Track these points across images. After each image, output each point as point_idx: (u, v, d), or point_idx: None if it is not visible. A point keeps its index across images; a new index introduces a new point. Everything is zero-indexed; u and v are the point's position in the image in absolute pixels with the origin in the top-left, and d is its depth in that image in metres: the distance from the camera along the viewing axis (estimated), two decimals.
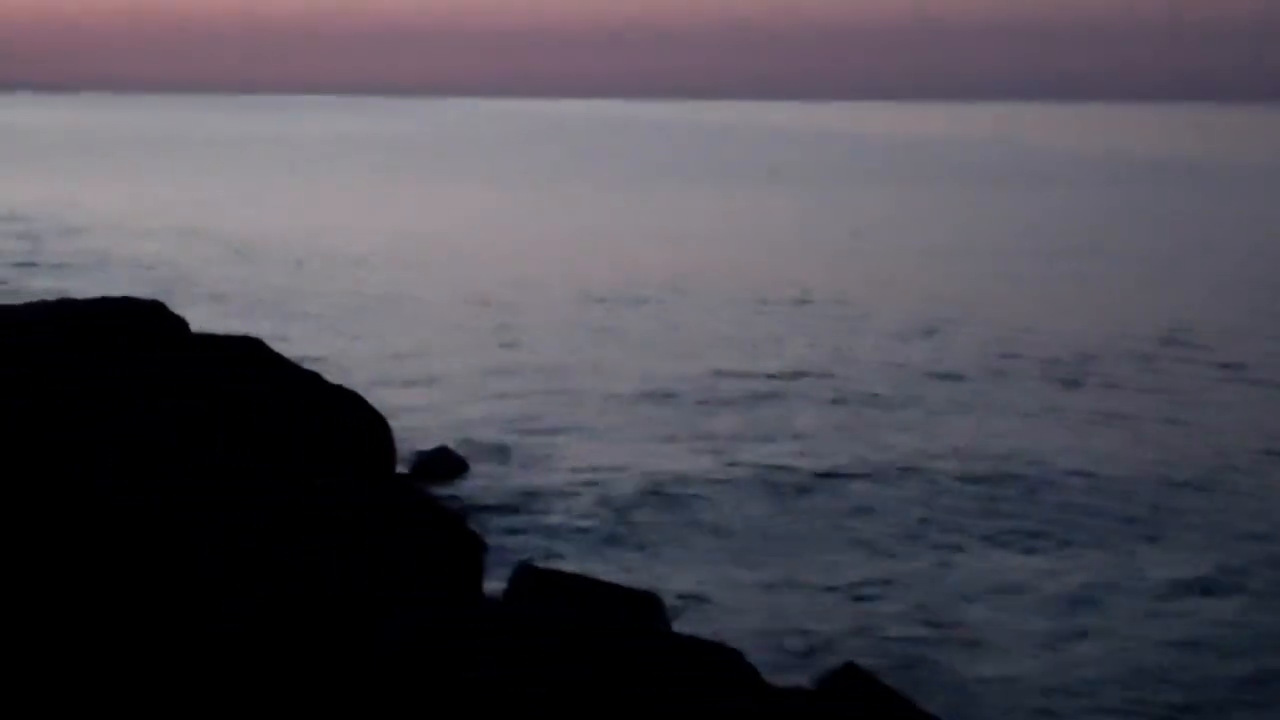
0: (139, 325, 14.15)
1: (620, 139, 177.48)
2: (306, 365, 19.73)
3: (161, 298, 19.44)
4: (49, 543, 9.41)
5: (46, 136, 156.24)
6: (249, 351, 15.47)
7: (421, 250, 48.99)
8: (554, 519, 18.43)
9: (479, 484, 19.91)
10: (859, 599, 15.71)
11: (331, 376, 20.07)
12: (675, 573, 16.40)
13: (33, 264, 43.26)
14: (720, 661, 10.03)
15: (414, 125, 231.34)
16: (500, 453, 21.68)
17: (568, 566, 15.90)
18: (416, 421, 23.06)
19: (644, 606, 13.31)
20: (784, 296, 38.72)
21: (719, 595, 15.70)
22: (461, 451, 21.23)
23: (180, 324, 15.48)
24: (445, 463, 20.58)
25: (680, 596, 15.44)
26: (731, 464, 21.26)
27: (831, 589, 16.01)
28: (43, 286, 36.81)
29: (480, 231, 56.16)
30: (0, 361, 10.75)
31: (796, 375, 28.07)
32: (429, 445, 21.25)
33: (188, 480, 10.55)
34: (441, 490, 19.20)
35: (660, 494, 19.57)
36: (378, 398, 22.21)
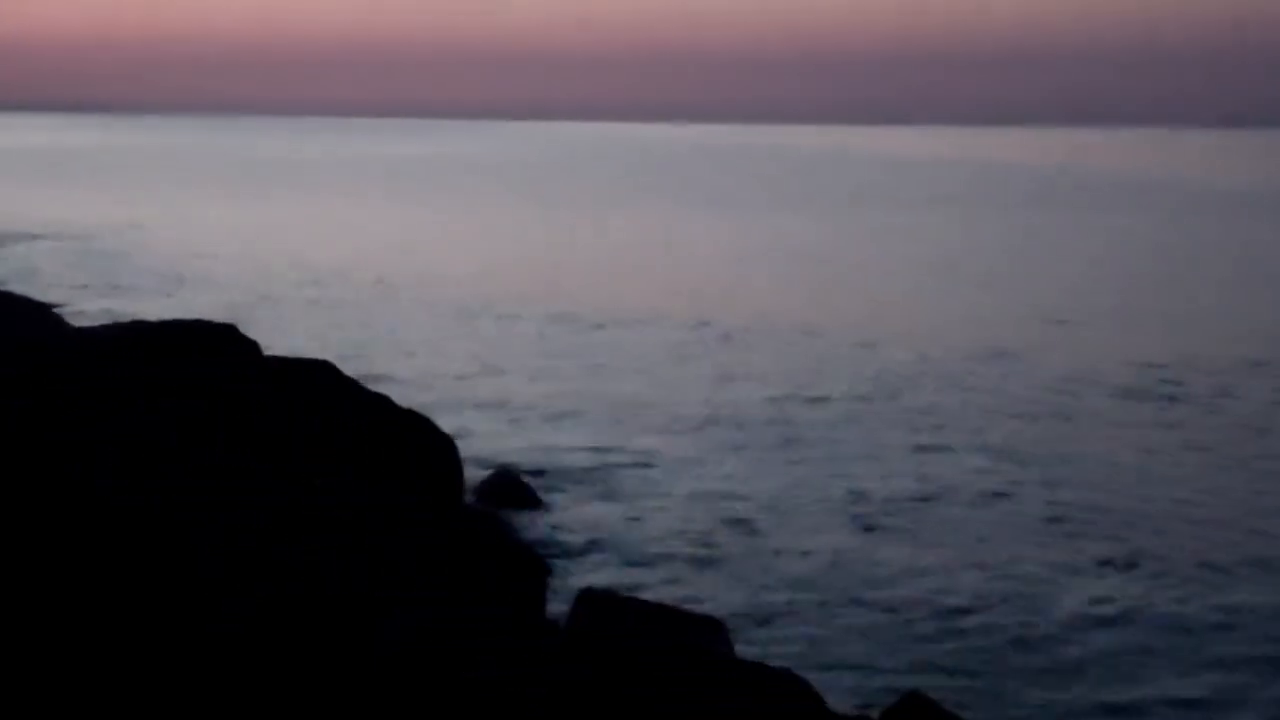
0: (213, 347, 14.24)
1: (690, 163, 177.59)
2: (377, 387, 19.79)
3: (233, 319, 19.54)
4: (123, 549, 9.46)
5: (114, 158, 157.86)
6: (319, 374, 15.55)
7: (490, 272, 49.07)
8: (619, 544, 18.38)
9: (544, 508, 19.88)
10: (926, 626, 15.58)
11: (401, 398, 20.11)
12: (740, 598, 16.32)
13: (103, 285, 43.61)
14: (785, 688, 9.96)
15: (477, 147, 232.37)
16: (566, 477, 21.65)
17: (631, 591, 15.83)
18: (484, 444, 23.07)
19: (708, 631, 13.25)
20: (854, 322, 38.56)
21: (785, 621, 15.60)
22: (528, 475, 21.21)
23: (252, 346, 15.56)
24: (510, 486, 20.57)
25: (745, 622, 15.36)
26: (800, 489, 21.15)
27: (898, 615, 15.89)
28: (115, 308, 37.07)
29: (550, 254, 56.17)
30: (80, 384, 10.81)
31: (867, 400, 27.91)
32: (495, 468, 21.24)
33: (259, 499, 10.59)
34: (507, 514, 19.18)
35: (727, 519, 19.49)
36: (446, 419, 22.20)
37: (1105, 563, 17.97)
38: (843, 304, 42.79)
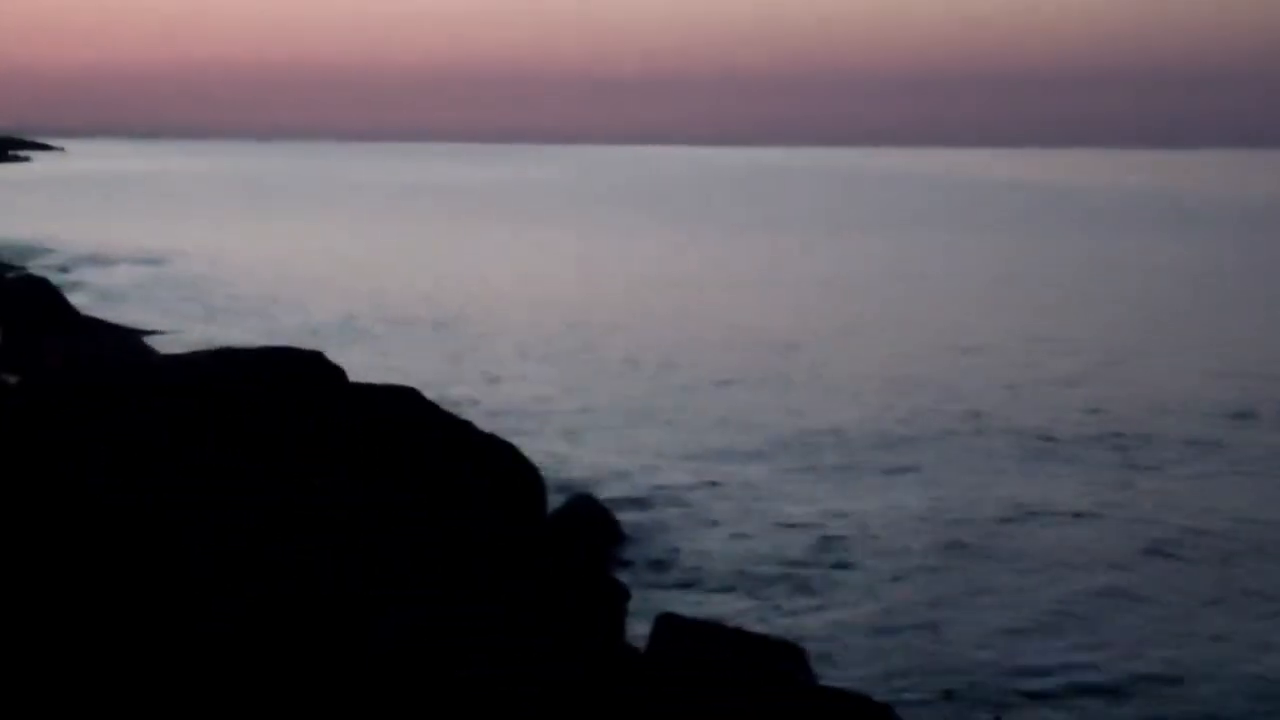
0: (300, 375, 14.37)
1: (747, 184, 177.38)
2: (461, 413, 19.91)
3: (318, 345, 19.69)
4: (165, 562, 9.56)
5: (194, 183, 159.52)
6: (404, 401, 15.68)
7: (573, 296, 49.17)
8: (698, 568, 18.36)
9: (624, 532, 19.90)
10: (1012, 653, 15.44)
11: (484, 421, 20.21)
12: (823, 623, 16.26)
13: (186, 310, 43.97)
14: (867, 715, 9.92)
15: (558, 172, 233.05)
16: (646, 501, 21.65)
17: (711, 616, 15.80)
18: (564, 468, 23.10)
19: (788, 657, 13.21)
20: (942, 342, 38.38)
21: (867, 648, 15.53)
22: (607, 499, 21.22)
23: (339, 373, 15.71)
24: (590, 511, 20.59)
25: (826, 648, 15.30)
26: (887, 512, 21.04)
27: (984, 642, 15.75)
28: (199, 333, 37.36)
29: (629, 278, 56.18)
30: (173, 411, 10.95)
31: (959, 421, 27.77)
32: (575, 492, 21.25)
33: (347, 524, 10.69)
34: (586, 538, 19.20)
35: (809, 542, 19.43)
36: (528, 443, 22.22)
37: (1207, 590, 17.73)
38: (929, 324, 42.59)
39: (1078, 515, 21.00)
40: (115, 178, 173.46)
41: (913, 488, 22.74)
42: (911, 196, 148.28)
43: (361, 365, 21.61)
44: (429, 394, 19.62)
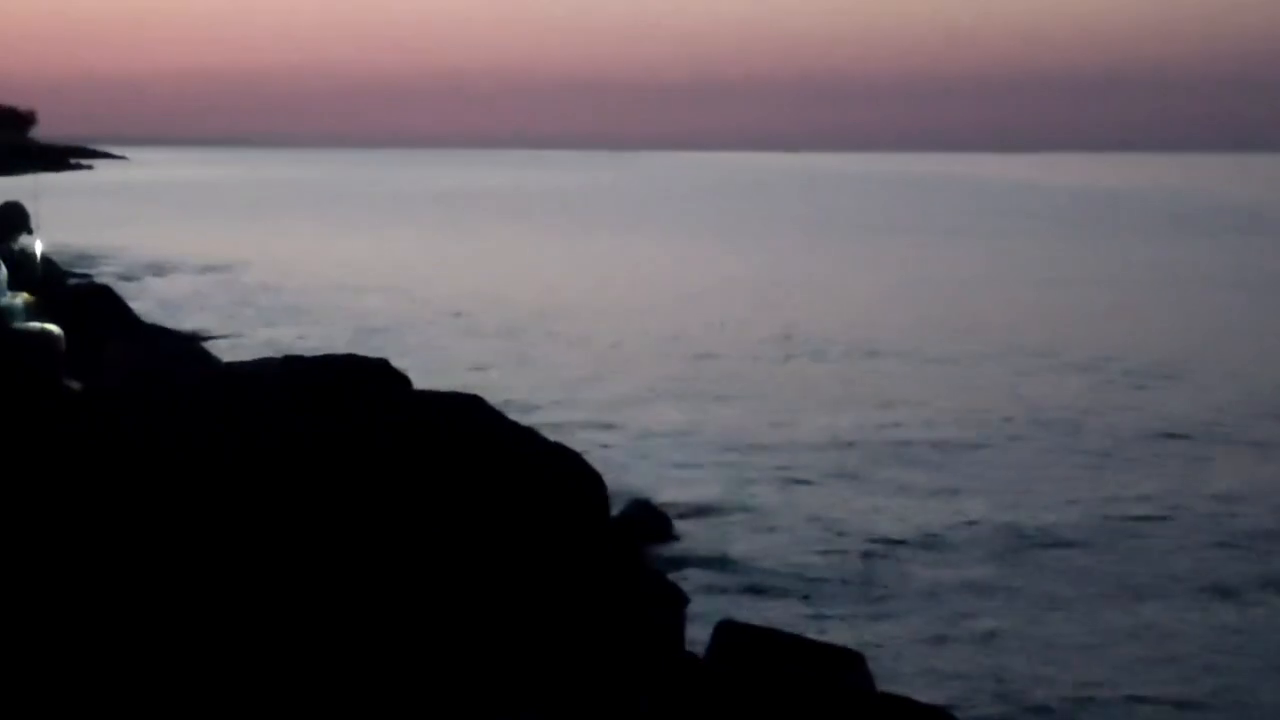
0: (365, 382, 14.45)
1: (817, 192, 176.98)
2: (526, 420, 19.93)
3: (382, 351, 19.76)
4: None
5: (259, 191, 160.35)
6: (469, 409, 15.73)
7: (633, 303, 49.09)
8: (756, 575, 18.33)
9: (682, 538, 19.89)
10: (1071, 660, 15.34)
11: (548, 429, 20.21)
12: (882, 629, 16.21)
13: (250, 317, 44.12)
14: None
15: (610, 177, 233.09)
16: (706, 508, 21.61)
17: (769, 621, 15.77)
18: (623, 475, 23.07)
19: (847, 664, 13.16)
20: (1003, 347, 38.16)
21: (927, 653, 15.46)
22: (666, 505, 21.21)
23: (403, 381, 15.79)
24: (649, 517, 20.60)
25: (884, 654, 15.24)
26: (946, 517, 20.94)
27: (1044, 648, 15.65)
28: (263, 339, 37.49)
29: (696, 285, 55.90)
30: (235, 418, 11.04)
31: (1020, 426, 27.62)
32: (634, 499, 21.24)
33: (411, 526, 10.76)
34: (645, 544, 19.21)
35: (867, 549, 19.35)
36: (587, 448, 22.20)
37: None
38: (989, 329, 42.36)
39: (1143, 520, 20.85)
40: (176, 185, 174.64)
41: (974, 494, 22.62)
42: (961, 201, 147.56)
43: (424, 371, 21.67)
44: (492, 400, 19.66)
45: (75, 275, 38.01)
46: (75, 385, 14.16)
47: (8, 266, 17.56)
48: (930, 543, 19.78)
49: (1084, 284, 57.30)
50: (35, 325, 17.29)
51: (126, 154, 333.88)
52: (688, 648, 13.66)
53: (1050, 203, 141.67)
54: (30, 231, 17.97)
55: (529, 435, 16.31)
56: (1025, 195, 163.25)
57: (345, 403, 12.47)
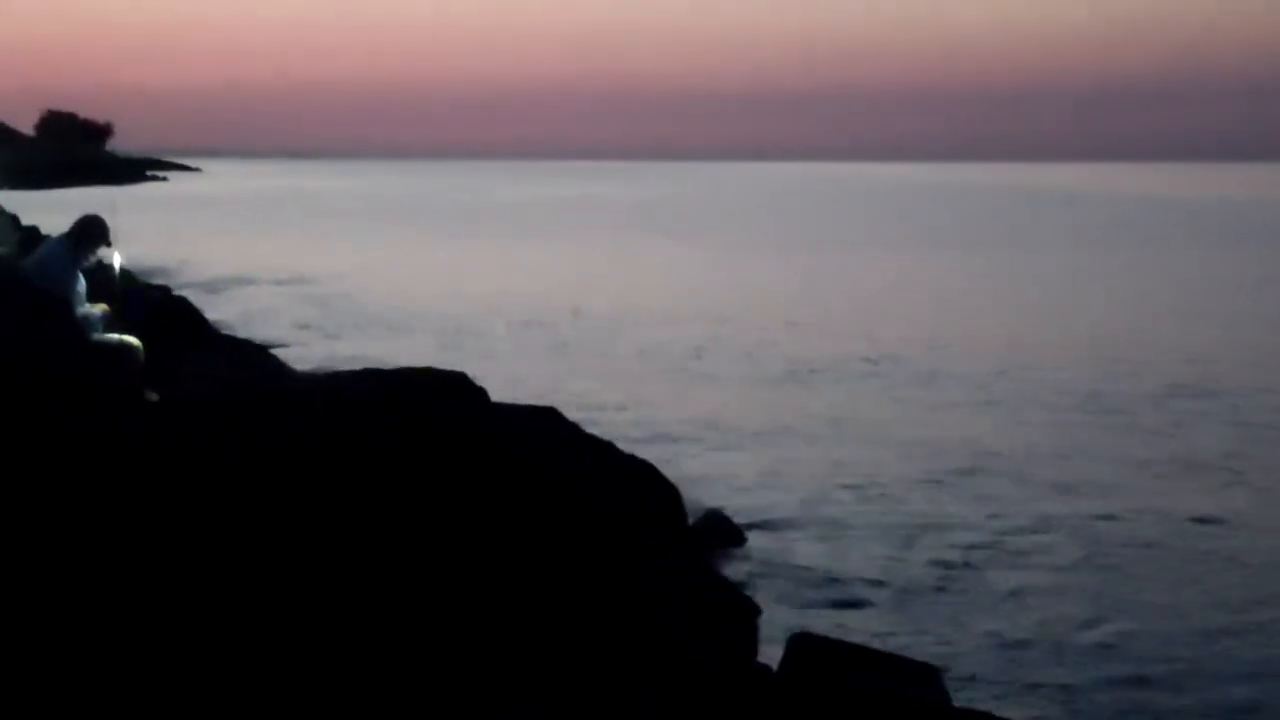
0: (444, 396, 14.55)
1: (888, 203, 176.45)
2: (602, 432, 20.01)
3: (459, 364, 19.87)
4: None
5: (333, 202, 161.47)
6: (546, 421, 15.83)
7: (711, 313, 49.10)
8: (832, 586, 18.27)
9: (756, 549, 19.87)
10: (1160, 677, 15.14)
11: (624, 441, 20.27)
12: (958, 641, 16.11)
13: (325, 329, 44.45)
14: None
15: (674, 188, 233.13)
16: (781, 519, 21.57)
17: (845, 634, 15.73)
18: (698, 485, 23.07)
19: (924, 678, 13.12)
20: (1087, 354, 37.94)
21: (1006, 666, 15.35)
22: (740, 516, 21.20)
23: (481, 394, 15.90)
24: (720, 527, 20.60)
25: (963, 669, 15.17)
26: (1026, 526, 20.80)
27: (1129, 663, 15.49)
28: (338, 352, 37.75)
29: (773, 296, 55.89)
30: (312, 430, 11.11)
31: (1101, 431, 27.44)
32: (708, 509, 21.23)
33: (490, 539, 10.81)
34: (717, 555, 19.20)
35: (945, 561, 19.24)
36: (664, 459, 22.24)
37: None
38: (1068, 336, 42.13)
39: (1236, 528, 20.62)
40: (251, 196, 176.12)
41: (1054, 501, 22.44)
42: (1030, 211, 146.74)
43: (501, 383, 21.75)
44: (569, 412, 19.72)
45: (151, 287, 38.37)
46: (154, 397, 14.28)
47: (87, 279, 17.71)
48: (1010, 553, 19.64)
49: (1167, 292, 56.89)
50: (114, 337, 17.45)
51: (200, 165, 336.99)
52: (760, 660, 13.64)
53: (1123, 213, 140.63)
54: (109, 244, 18.07)
55: (606, 448, 16.37)
56: (1095, 205, 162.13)
57: (424, 416, 12.53)
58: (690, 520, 20.69)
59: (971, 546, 19.94)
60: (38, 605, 9.01)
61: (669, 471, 20.08)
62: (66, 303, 16.88)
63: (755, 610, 16.37)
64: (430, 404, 13.46)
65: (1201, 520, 21.28)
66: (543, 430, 15.68)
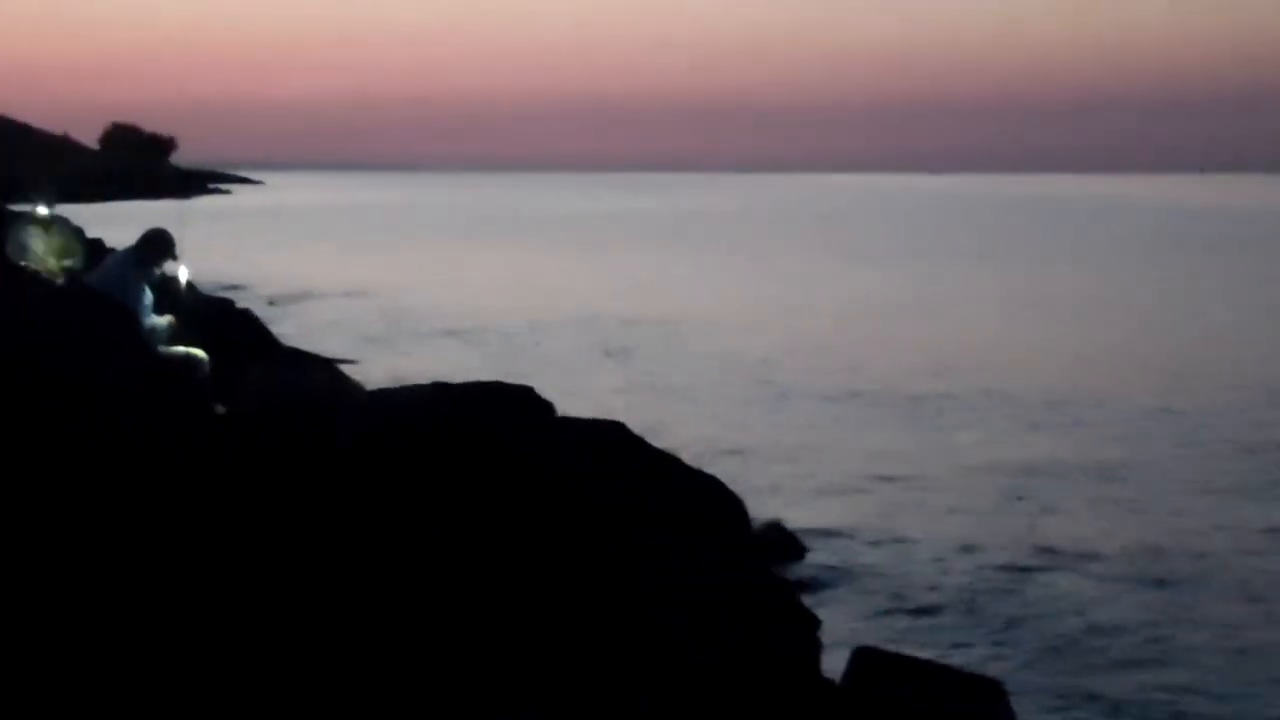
0: (511, 409, 14.61)
1: (957, 214, 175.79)
2: (668, 445, 19.98)
3: (524, 377, 19.90)
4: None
5: (392, 215, 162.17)
6: (612, 434, 15.85)
7: (775, 326, 49.04)
8: (894, 599, 18.22)
9: (818, 561, 19.84)
10: (1233, 696, 15.00)
11: (689, 453, 20.24)
12: (1022, 656, 16.04)
13: (389, 342, 44.58)
14: None
15: (739, 200, 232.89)
16: (843, 530, 21.52)
17: (908, 648, 15.69)
18: (761, 496, 23.01)
19: (987, 694, 13.07)
20: (1162, 368, 37.69)
21: (1070, 683, 15.27)
22: (802, 528, 21.16)
23: (548, 408, 15.95)
24: (780, 539, 20.59)
25: (1027, 682, 15.08)
26: (1093, 539, 20.64)
27: (1201, 680, 15.30)
28: (402, 366, 37.84)
29: (843, 311, 55.66)
30: (383, 443, 11.19)
31: (1170, 444, 27.25)
32: (769, 520, 21.20)
33: (561, 550, 10.85)
34: (777, 566, 19.17)
35: (1007, 577, 19.12)
36: (723, 470, 22.18)
37: None
38: (1142, 350, 41.85)
39: None
40: (313, 209, 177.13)
41: (1124, 514, 22.26)
42: (1087, 222, 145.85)
43: (566, 396, 21.76)
44: (634, 425, 19.73)
45: (214, 300, 38.64)
46: (221, 409, 14.41)
47: (153, 291, 17.89)
48: (1077, 568, 19.50)
49: (1242, 303, 56.45)
50: (180, 349, 17.61)
51: (263, 178, 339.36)
52: (823, 673, 13.60)
53: (1192, 223, 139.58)
54: (175, 257, 18.25)
55: (672, 461, 16.37)
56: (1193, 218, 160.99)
57: (492, 429, 12.60)
58: (754, 529, 20.66)
59: (1038, 561, 19.82)
60: (113, 619, 9.11)
61: (734, 481, 20.03)
62: (133, 315, 17.06)
63: (815, 622, 16.35)
64: (498, 417, 13.52)
65: (1271, 533, 21.08)
66: (608, 444, 15.69)
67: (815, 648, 14.26)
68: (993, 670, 15.09)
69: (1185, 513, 22.40)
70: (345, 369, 28.34)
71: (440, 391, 14.79)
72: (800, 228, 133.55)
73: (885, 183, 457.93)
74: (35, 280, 18.10)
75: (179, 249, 18.04)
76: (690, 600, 11.65)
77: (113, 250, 26.00)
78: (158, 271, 18.13)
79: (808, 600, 17.37)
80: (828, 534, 21.26)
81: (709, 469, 20.34)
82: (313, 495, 10.09)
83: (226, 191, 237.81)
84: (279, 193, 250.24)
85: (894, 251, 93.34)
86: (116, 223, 67.90)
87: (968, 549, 20.43)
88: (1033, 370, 38.25)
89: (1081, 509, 22.74)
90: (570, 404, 20.75)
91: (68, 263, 19.90)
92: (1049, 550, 20.33)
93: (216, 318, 25.99)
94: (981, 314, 53.54)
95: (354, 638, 9.22)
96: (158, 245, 18.05)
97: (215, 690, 8.63)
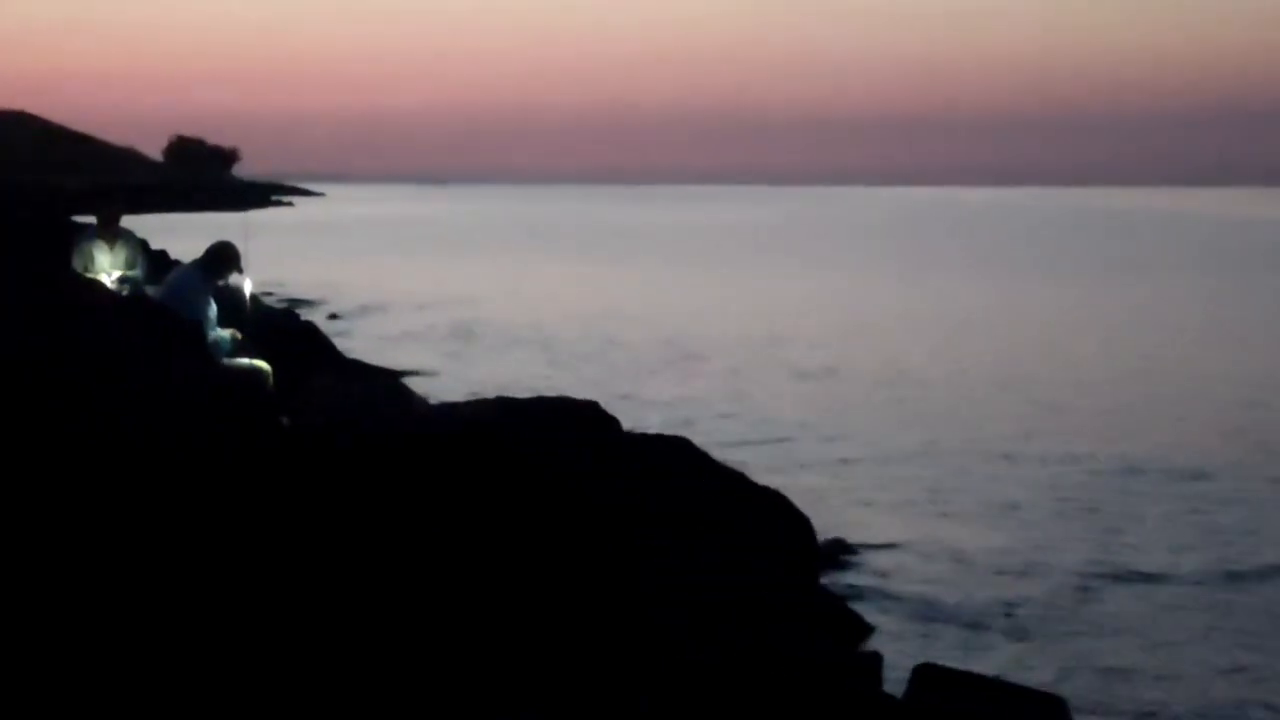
0: (577, 424, 14.67)
1: (1008, 227, 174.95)
2: (734, 460, 20.00)
3: (589, 391, 19.88)
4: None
5: (454, 227, 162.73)
6: (677, 450, 15.88)
7: (836, 339, 48.88)
8: (955, 614, 18.09)
9: (878, 575, 19.74)
10: None
11: (755, 468, 20.21)
12: (1085, 671, 15.90)
13: (453, 355, 44.61)
14: None
15: (780, 214, 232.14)
16: (906, 545, 21.40)
17: (969, 663, 15.60)
18: (826, 511, 22.91)
19: (1050, 710, 13.00)
20: (1226, 384, 37.36)
21: (1134, 697, 15.14)
22: (864, 543, 21.08)
23: (613, 423, 16.00)
24: (844, 552, 20.53)
25: (1091, 697, 14.97)
26: (1155, 557, 20.45)
27: (1260, 700, 15.15)
28: (467, 378, 37.86)
29: (901, 320, 55.50)
30: (447, 459, 11.23)
31: (1239, 456, 26.99)
32: (831, 537, 21.11)
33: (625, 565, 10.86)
34: (836, 581, 19.10)
35: (1072, 589, 18.97)
36: (785, 483, 22.10)
37: None
38: (1207, 366, 41.49)
39: None
40: (376, 221, 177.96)
41: (1187, 528, 22.05)
42: (1140, 236, 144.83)
43: (632, 410, 21.74)
44: (700, 440, 19.70)
45: (278, 312, 38.84)
46: (286, 422, 14.48)
47: (218, 303, 18.02)
48: (1140, 583, 19.32)
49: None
50: (244, 361, 17.70)
51: (324, 190, 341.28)
52: (884, 689, 13.55)
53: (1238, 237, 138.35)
54: (240, 270, 18.36)
55: (738, 478, 16.39)
56: (1211, 229, 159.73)
57: (558, 445, 12.63)
58: (816, 544, 20.61)
59: (1102, 574, 19.65)
60: (174, 623, 9.18)
61: (800, 497, 19.98)
62: (198, 327, 17.18)
63: (870, 631, 16.35)
64: (564, 431, 13.56)
65: None
66: (675, 459, 15.71)
67: (877, 664, 14.22)
68: (1053, 685, 14.97)
69: (1262, 533, 22.11)
70: (409, 382, 28.46)
71: (504, 406, 14.81)
72: (844, 240, 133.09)
73: (922, 196, 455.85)
74: (102, 292, 18.27)
75: (243, 262, 18.16)
76: (738, 609, 11.65)
77: (177, 262, 26.18)
78: (222, 284, 18.25)
79: (871, 617, 17.32)
80: (891, 547, 21.16)
81: (774, 481, 20.31)
82: (345, 503, 10.14)
83: (289, 204, 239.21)
84: (341, 205, 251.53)
85: (947, 261, 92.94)
86: (180, 234, 68.30)
87: (1036, 563, 20.26)
88: (1105, 382, 38.01)
89: (1153, 527, 22.47)
90: (638, 417, 20.69)
91: (132, 274, 20.07)
92: (1118, 568, 20.14)
93: (280, 330, 26.17)
94: (1048, 322, 53.27)
95: (360, 638, 9.26)
96: (223, 258, 18.16)
97: (245, 688, 8.69)
